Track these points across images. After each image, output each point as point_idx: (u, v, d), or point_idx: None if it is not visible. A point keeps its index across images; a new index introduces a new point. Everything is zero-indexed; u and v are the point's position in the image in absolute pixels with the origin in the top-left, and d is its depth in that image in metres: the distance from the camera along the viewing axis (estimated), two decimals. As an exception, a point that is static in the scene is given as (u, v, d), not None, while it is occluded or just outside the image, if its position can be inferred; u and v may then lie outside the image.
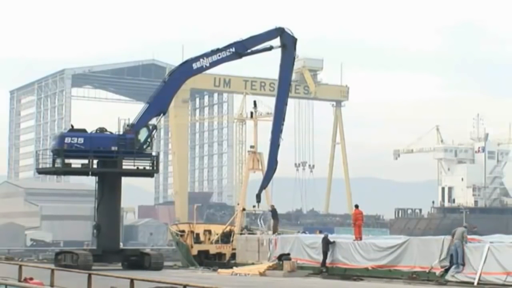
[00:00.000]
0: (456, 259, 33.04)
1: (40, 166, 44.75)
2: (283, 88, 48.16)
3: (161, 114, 43.26)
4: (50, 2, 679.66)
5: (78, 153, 41.05)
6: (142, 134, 42.09)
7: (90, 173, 42.29)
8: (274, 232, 47.06)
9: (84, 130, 42.02)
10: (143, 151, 42.00)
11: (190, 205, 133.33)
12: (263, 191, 50.46)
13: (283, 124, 48.15)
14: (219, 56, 43.84)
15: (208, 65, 43.63)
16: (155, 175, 45.92)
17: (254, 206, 57.56)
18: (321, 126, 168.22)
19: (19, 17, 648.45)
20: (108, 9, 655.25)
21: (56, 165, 41.66)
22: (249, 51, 45.44)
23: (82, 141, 40.84)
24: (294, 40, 46.72)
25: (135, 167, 42.52)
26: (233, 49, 44.44)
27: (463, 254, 32.90)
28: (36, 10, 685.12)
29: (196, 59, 43.52)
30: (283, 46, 46.55)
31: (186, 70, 43.79)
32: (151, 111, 42.65)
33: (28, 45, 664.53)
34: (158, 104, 42.86)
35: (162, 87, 43.30)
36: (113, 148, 41.06)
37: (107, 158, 41.40)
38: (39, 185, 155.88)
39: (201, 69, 43.88)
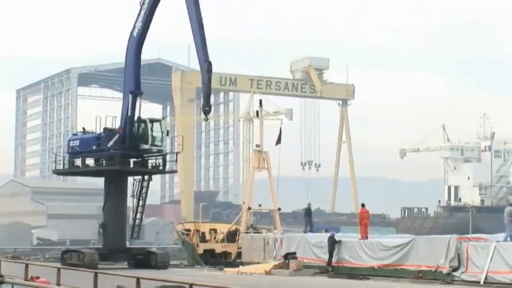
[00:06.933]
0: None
1: (58, 167, 46.30)
2: None
3: (137, 97, 41.85)
4: (56, 1, 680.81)
5: (75, 155, 43.68)
6: (156, 129, 42.24)
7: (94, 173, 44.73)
8: (310, 229, 47.88)
9: (84, 132, 44.14)
10: (139, 146, 42.08)
11: (196, 204, 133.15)
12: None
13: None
14: (144, 8, 41.66)
15: (142, 24, 41.83)
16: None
17: (259, 205, 57.63)
18: (327, 125, 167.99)
19: (25, 16, 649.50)
20: (114, 8, 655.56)
21: (64, 167, 45.02)
22: None
23: (78, 143, 43.39)
24: None
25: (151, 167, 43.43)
26: None
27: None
28: (42, 10, 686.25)
29: (133, 27, 42.32)
30: None
31: (132, 42, 42.56)
32: (125, 98, 42.52)
33: (34, 45, 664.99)
34: (126, 88, 42.59)
35: (124, 71, 43.25)
36: (94, 148, 42.43)
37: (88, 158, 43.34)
38: (46, 184, 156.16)
39: (141, 32, 42.09)
